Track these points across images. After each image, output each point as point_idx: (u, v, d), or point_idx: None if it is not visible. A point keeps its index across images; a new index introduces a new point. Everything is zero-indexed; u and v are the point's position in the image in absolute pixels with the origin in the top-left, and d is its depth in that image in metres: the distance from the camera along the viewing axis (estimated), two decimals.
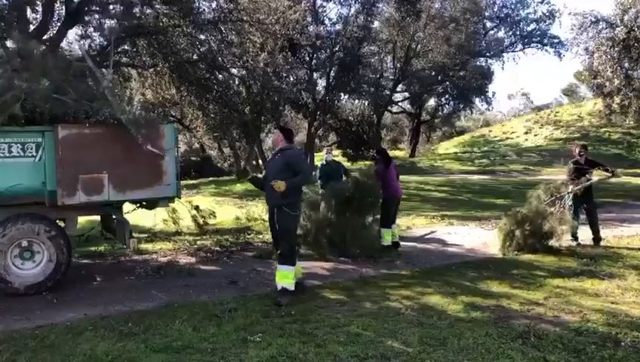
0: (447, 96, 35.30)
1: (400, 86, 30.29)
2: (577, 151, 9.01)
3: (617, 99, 19.38)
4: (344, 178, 11.17)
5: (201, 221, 9.70)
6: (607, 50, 15.40)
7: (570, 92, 61.65)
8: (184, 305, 5.57)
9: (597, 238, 8.77)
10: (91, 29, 13.45)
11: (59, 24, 13.04)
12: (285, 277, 5.78)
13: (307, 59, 25.04)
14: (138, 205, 7.32)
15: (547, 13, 29.18)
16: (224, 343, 4.44)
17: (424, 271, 7.23)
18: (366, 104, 30.61)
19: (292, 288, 5.81)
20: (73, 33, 13.81)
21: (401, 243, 9.25)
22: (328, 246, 8.23)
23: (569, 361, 3.96)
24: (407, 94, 35.01)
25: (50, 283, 6.16)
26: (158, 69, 15.43)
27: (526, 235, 8.25)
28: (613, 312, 5.14)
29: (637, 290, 5.97)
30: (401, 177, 10.01)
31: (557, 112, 42.24)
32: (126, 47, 14.89)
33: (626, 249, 8.44)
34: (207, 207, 10.12)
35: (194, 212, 9.48)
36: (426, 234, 10.31)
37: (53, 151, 6.10)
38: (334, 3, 24.46)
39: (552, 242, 8.37)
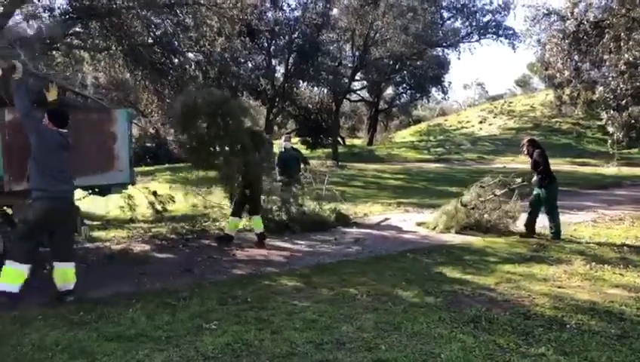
0: (404, 85, 35.64)
1: (358, 74, 30.32)
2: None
3: (567, 91, 19.91)
4: (302, 166, 11.20)
5: (159, 207, 9.50)
6: (558, 43, 15.73)
7: (523, 83, 63.19)
8: (138, 293, 5.48)
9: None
10: (40, 9, 12.90)
11: (5, 2, 12.45)
12: (7, 274, 4.97)
13: (265, 45, 24.82)
14: (90, 191, 7.12)
15: (502, 5, 29.59)
16: (179, 331, 4.39)
17: (379, 257, 7.33)
18: (325, 92, 30.60)
19: (13, 290, 4.97)
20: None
21: (357, 229, 9.37)
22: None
23: (518, 344, 4.09)
24: (365, 83, 35.13)
25: None
26: (112, 52, 14.99)
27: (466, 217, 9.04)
28: (560, 296, 5.34)
29: (582, 275, 6.21)
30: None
31: (510, 102, 43.14)
32: (78, 29, 14.39)
33: (573, 236, 8.74)
34: (165, 193, 9.91)
35: (152, 198, 9.29)
36: (381, 221, 10.43)
37: None
38: None
39: (497, 227, 8.97)
